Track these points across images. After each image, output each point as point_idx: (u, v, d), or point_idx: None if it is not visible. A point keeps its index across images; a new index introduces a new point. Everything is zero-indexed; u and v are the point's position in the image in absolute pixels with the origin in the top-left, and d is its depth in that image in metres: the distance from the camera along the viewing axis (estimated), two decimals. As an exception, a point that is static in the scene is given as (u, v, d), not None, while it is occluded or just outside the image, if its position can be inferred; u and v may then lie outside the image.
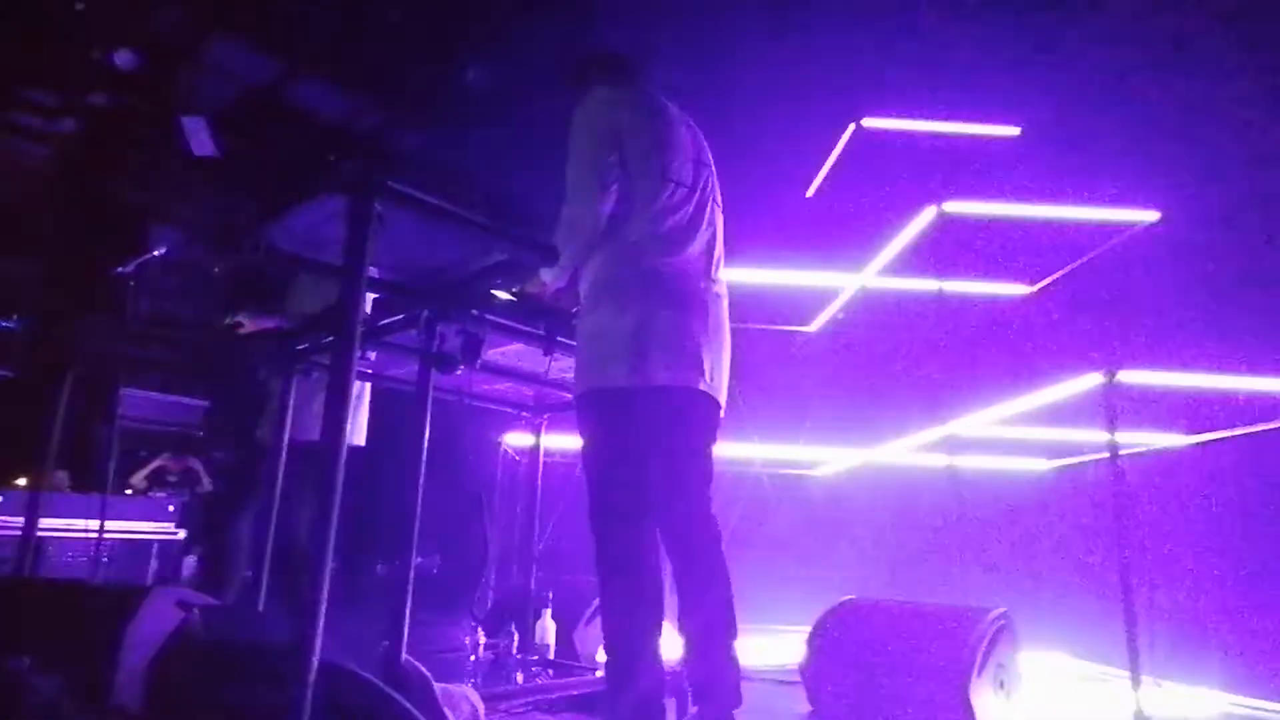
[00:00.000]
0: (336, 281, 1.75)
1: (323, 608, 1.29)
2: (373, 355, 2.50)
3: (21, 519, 3.25)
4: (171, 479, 4.41)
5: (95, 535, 3.40)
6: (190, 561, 4.15)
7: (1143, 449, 3.41)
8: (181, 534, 4.11)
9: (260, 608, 2.30)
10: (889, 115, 4.76)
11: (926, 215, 4.72)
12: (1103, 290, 4.14)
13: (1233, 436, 3.21)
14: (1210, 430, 3.30)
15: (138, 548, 3.99)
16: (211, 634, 1.58)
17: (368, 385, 3.02)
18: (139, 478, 4.41)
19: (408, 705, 1.36)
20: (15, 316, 3.85)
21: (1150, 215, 4.03)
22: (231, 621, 1.70)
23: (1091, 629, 3.67)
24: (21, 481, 3.89)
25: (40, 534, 3.36)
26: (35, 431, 3.08)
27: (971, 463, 4.54)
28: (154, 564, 4.02)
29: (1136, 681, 2.45)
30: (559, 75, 2.37)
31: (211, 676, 1.45)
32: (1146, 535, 3.15)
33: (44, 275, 4.36)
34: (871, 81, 4.75)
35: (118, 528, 3.85)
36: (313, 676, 1.25)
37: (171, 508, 4.14)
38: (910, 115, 4.74)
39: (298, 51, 4.73)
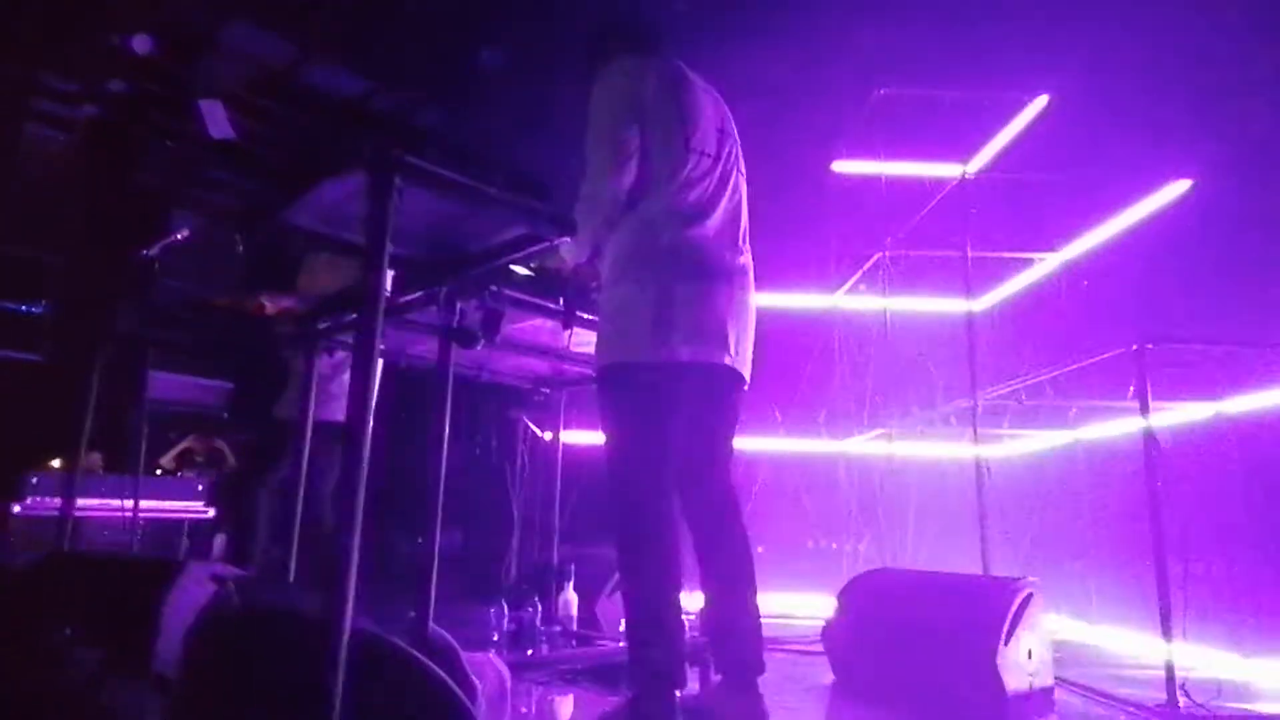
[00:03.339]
0: (352, 259, 1.76)
1: (353, 577, 1.32)
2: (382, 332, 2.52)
3: (59, 500, 3.33)
4: (199, 459, 4.49)
5: (129, 515, 3.48)
6: (220, 540, 4.23)
7: (1173, 421, 3.37)
8: (211, 513, 4.20)
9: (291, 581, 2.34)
10: (913, 83, 4.68)
11: (953, 177, 4.67)
12: (1136, 259, 4.07)
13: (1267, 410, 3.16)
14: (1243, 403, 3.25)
15: (169, 527, 4.08)
16: (246, 605, 1.61)
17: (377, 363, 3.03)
18: (168, 459, 4.49)
19: (439, 671, 1.38)
20: (43, 301, 3.92)
21: (1182, 185, 3.94)
22: (265, 593, 1.74)
23: (1124, 599, 3.65)
24: (57, 463, 3.98)
25: (77, 514, 3.44)
26: (67, 414, 3.14)
27: (998, 439, 4.51)
28: (185, 542, 4.11)
29: (1168, 636, 2.43)
30: (580, 46, 2.35)
31: (247, 645, 1.48)
32: (1178, 505, 3.11)
33: (69, 260, 4.42)
34: (893, 48, 4.67)
35: (150, 507, 3.94)
36: (345, 643, 1.28)
37: (201, 487, 4.23)
38: (934, 84, 4.65)
39: (315, 32, 4.73)
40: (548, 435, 3.40)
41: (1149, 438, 2.59)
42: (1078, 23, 4.09)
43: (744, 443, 4.63)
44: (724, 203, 2.06)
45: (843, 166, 5.04)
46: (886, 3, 4.50)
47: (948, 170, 4.77)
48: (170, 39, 4.68)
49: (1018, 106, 4.42)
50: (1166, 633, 2.46)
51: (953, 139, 4.66)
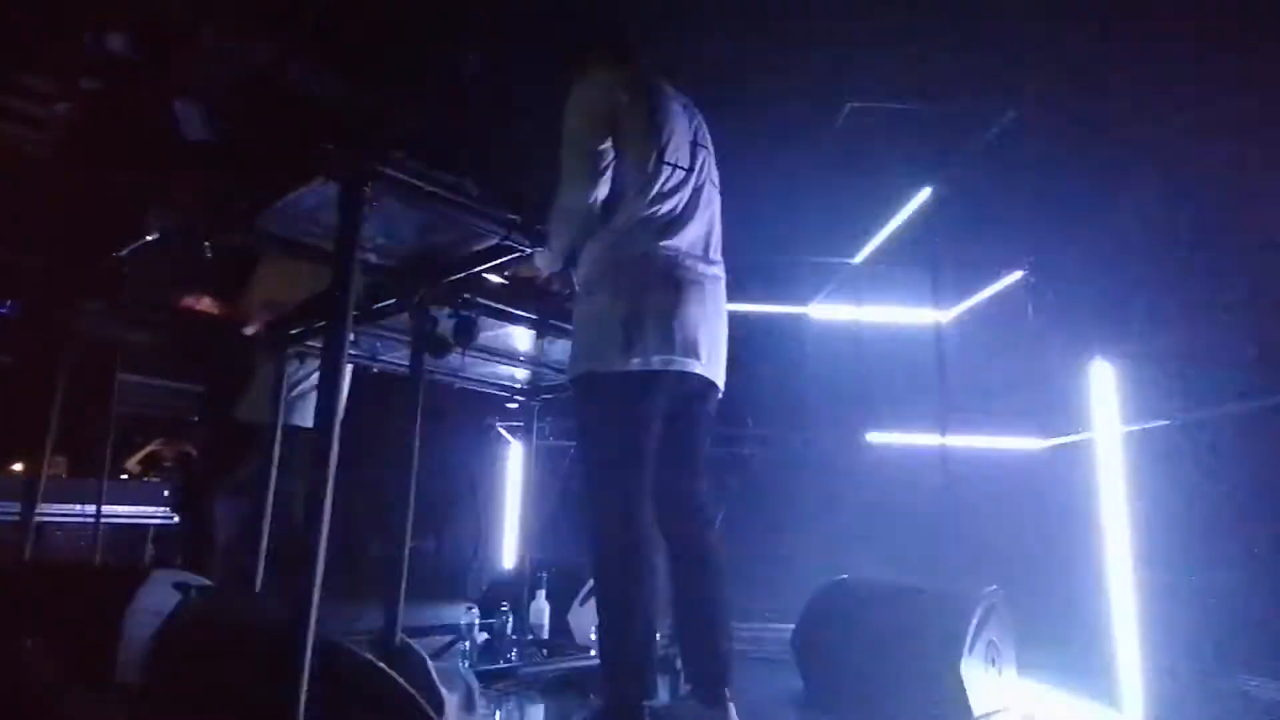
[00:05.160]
0: (317, 265, 1.75)
1: (318, 586, 1.31)
2: (352, 337, 2.51)
3: (19, 504, 3.26)
4: (167, 464, 4.42)
5: (92, 520, 3.42)
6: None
7: (1131, 429, 3.43)
8: (177, 518, 4.13)
9: (257, 589, 2.32)
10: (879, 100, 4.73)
11: (920, 196, 4.73)
12: (1096, 270, 4.16)
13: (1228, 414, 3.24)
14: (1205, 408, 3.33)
15: (134, 532, 4.01)
16: (210, 614, 1.60)
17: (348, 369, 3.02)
18: (133, 463, 4.42)
19: (403, 683, 1.38)
20: (9, 301, 3.85)
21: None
22: (229, 601, 1.72)
23: (1085, 609, 3.72)
24: (18, 467, 3.90)
25: (38, 519, 3.37)
26: (32, 417, 3.09)
27: (965, 442, 4.57)
28: (150, 548, 4.04)
29: (1125, 663, 2.49)
30: (555, 56, 2.36)
31: (211, 655, 1.47)
32: (1138, 513, 3.17)
33: (39, 260, 4.35)
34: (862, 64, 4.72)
35: (114, 512, 3.87)
36: (310, 654, 1.27)
37: (167, 492, 4.16)
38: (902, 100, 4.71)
39: (293, 34, 4.69)
40: (528, 423, 3.37)
41: (1106, 446, 2.65)
42: (1048, 38, 4.15)
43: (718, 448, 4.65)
44: (697, 214, 2.08)
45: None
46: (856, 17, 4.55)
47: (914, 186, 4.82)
48: (147, 37, 4.62)
49: (987, 120, 4.48)
50: (1119, 643, 2.52)
51: (921, 153, 4.71)
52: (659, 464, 2.03)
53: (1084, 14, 3.61)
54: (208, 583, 2.00)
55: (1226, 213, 3.41)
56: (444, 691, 1.70)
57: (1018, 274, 4.67)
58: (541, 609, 2.96)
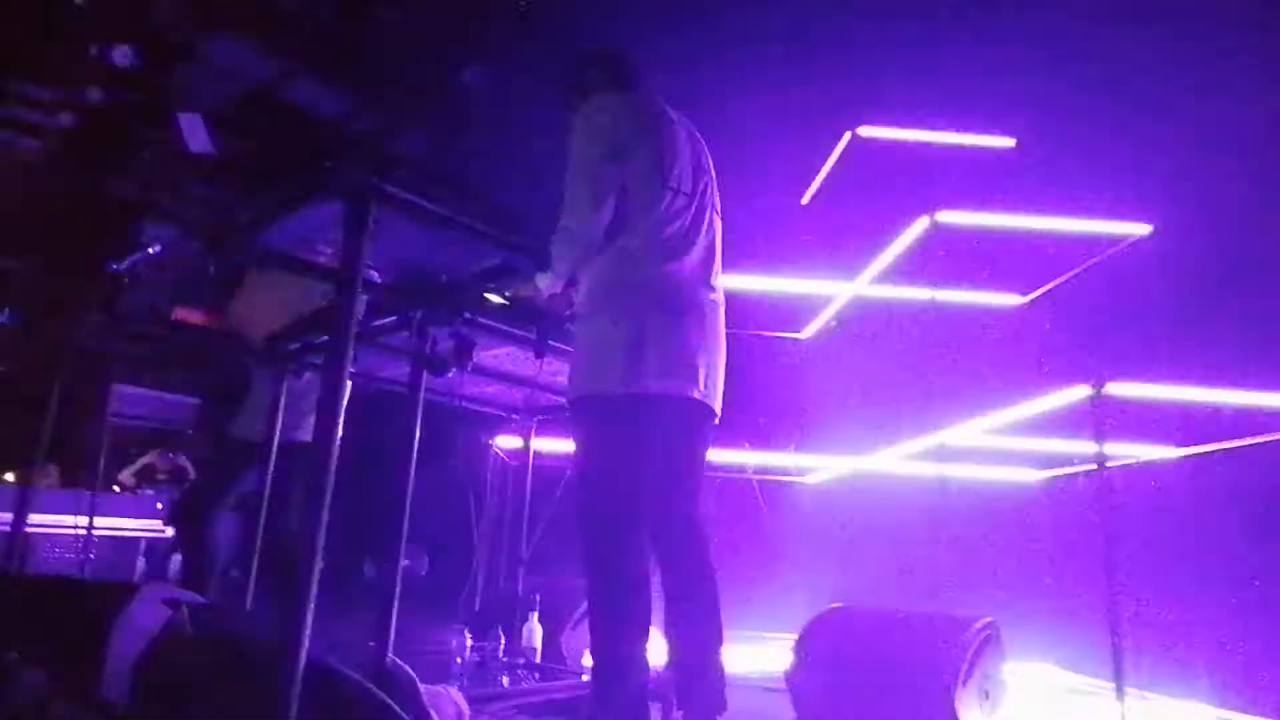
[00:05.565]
0: (305, 280, 1.75)
1: (310, 607, 1.30)
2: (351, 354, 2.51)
3: (10, 515, 3.24)
4: (161, 477, 4.39)
5: (84, 532, 3.39)
6: (178, 560, 4.13)
7: (1132, 461, 3.44)
8: (169, 532, 4.10)
9: (248, 606, 2.30)
10: (885, 124, 4.80)
11: (920, 224, 4.75)
12: (1094, 301, 4.18)
13: (1222, 450, 3.25)
14: (1200, 444, 3.34)
15: (126, 545, 3.97)
16: (199, 631, 1.58)
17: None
18: (127, 474, 4.39)
19: (393, 705, 1.37)
20: (7, 311, 3.84)
21: (1142, 229, 4.07)
22: (219, 619, 1.71)
23: (1079, 641, 3.69)
24: (10, 477, 3.88)
25: (29, 529, 3.35)
26: (26, 427, 3.08)
27: (961, 472, 4.56)
28: (141, 562, 4.00)
29: (1122, 694, 2.47)
30: (558, 78, 2.38)
31: (198, 673, 1.46)
32: (1134, 547, 3.16)
33: (37, 270, 4.35)
34: (868, 90, 4.79)
35: (106, 524, 3.83)
36: (300, 675, 1.26)
37: (160, 505, 4.13)
38: (907, 125, 4.77)
39: (297, 50, 4.73)
40: (524, 444, 3.35)
41: (1103, 479, 2.64)
42: (1044, 72, 4.22)
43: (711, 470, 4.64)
44: (699, 239, 2.09)
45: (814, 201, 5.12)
46: (857, 47, 4.61)
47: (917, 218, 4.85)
48: (152, 50, 4.65)
49: (985, 153, 4.53)
50: (1118, 674, 2.50)
51: (920, 185, 4.75)
52: (656, 488, 2.02)
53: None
54: (199, 599, 1.99)
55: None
56: (434, 715, 1.68)
57: (1016, 299, 4.70)
58: (534, 631, 2.93)
